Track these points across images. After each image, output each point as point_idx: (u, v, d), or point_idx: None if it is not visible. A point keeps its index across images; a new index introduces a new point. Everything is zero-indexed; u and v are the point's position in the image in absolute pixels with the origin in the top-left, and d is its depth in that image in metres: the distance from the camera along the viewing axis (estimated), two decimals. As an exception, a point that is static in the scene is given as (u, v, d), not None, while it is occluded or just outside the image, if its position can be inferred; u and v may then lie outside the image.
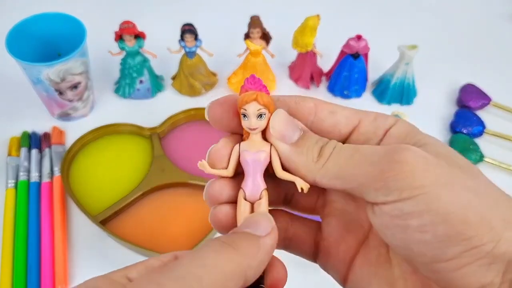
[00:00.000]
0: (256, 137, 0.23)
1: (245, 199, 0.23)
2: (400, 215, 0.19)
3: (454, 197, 0.19)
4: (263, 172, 0.24)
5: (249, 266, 0.19)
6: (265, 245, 0.20)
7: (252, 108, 0.22)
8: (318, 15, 0.56)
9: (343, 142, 0.22)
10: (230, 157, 0.23)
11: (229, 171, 0.24)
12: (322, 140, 0.22)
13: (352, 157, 0.21)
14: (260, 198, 0.23)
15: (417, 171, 0.19)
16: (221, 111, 0.23)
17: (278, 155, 0.23)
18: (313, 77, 0.66)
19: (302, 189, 0.22)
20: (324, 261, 0.25)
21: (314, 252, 0.25)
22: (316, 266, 0.26)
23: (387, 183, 0.19)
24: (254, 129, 0.23)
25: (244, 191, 0.23)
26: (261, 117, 0.23)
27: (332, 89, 0.65)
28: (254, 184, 0.23)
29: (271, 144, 0.23)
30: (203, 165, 0.24)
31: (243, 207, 0.23)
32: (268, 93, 0.23)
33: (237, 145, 0.24)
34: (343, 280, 0.24)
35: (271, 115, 0.23)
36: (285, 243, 0.25)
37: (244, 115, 0.23)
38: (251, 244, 0.20)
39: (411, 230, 0.19)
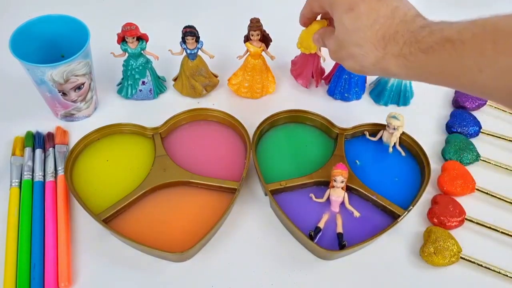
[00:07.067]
0: (338, 189, 0.52)
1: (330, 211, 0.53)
2: None
3: None
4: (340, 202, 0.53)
5: None
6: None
7: (339, 178, 0.51)
8: (325, 21, 0.56)
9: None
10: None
11: (324, 199, 0.53)
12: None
13: None
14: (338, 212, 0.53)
15: None
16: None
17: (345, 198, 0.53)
18: (314, 76, 0.66)
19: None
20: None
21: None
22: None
23: None
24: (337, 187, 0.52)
25: (331, 209, 0.53)
26: (342, 182, 0.52)
27: (332, 93, 0.66)
28: (335, 207, 0.53)
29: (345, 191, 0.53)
30: None
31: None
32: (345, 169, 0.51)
33: (328, 190, 0.53)
34: None
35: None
36: None
37: (335, 180, 0.51)
38: None
39: None
